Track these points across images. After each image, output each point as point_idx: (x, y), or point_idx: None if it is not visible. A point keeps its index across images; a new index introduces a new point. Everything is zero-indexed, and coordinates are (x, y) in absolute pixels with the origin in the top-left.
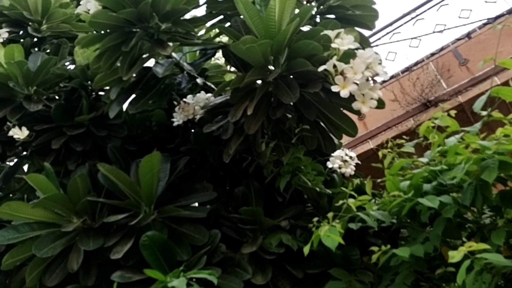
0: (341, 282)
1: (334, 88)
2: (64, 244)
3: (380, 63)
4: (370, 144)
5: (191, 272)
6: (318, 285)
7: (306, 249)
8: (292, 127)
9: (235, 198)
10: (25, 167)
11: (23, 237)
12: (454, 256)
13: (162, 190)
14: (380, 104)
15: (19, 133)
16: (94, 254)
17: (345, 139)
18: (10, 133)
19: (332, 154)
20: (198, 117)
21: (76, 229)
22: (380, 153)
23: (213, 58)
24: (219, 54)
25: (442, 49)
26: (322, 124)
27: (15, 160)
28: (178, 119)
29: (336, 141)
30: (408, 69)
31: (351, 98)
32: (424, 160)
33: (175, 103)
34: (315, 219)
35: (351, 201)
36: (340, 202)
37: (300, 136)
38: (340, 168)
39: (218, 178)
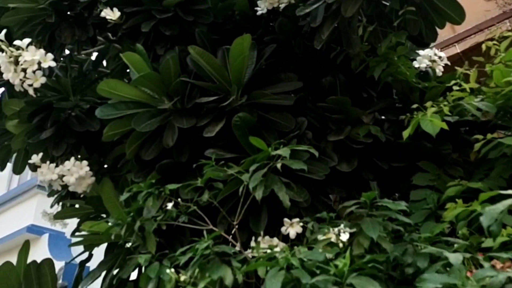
0: (429, 175)
1: None
2: (160, 121)
3: None
4: (457, 48)
5: (291, 145)
6: (403, 178)
7: (406, 133)
8: (394, 10)
9: (321, 89)
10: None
11: (120, 113)
12: None
13: (249, 77)
14: None
15: (111, 14)
16: (187, 133)
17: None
18: (103, 13)
19: (420, 53)
20: (282, 6)
21: (169, 109)
22: (483, 46)
23: None
24: None
25: None
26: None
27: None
28: (262, 8)
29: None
30: None
31: None
32: None
33: None
34: (415, 105)
35: (456, 89)
36: (452, 82)
37: (400, 22)
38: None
39: (302, 70)
